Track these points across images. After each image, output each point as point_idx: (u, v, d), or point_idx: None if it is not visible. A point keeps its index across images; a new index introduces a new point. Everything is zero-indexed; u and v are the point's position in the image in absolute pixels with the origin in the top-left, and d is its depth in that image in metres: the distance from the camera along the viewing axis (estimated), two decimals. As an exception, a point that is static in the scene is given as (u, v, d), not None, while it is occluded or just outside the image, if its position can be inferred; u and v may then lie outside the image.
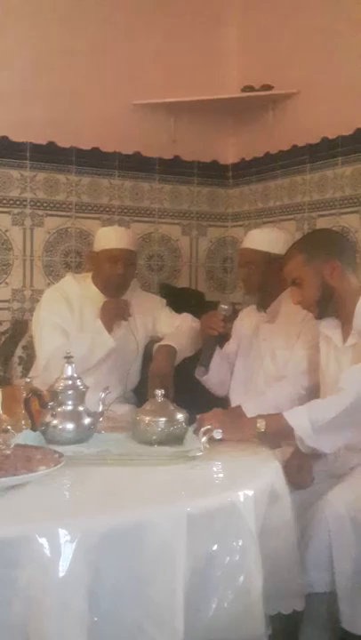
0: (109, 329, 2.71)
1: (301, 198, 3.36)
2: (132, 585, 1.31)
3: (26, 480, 1.43)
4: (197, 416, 1.98)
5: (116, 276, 2.79)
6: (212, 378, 2.74)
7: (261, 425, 1.93)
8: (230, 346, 2.84)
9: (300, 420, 1.89)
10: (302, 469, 2.06)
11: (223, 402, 2.79)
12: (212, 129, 3.76)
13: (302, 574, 1.74)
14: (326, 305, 2.21)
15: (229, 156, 3.85)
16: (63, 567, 1.23)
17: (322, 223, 3.24)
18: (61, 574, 1.23)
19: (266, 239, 2.69)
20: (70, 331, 2.77)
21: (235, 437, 1.89)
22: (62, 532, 1.24)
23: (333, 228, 3.17)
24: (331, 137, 3.16)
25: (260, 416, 2.01)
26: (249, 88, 3.51)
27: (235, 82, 3.65)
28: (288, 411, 1.97)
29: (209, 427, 1.78)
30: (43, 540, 1.23)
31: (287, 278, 2.29)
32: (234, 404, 2.70)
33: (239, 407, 2.57)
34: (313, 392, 2.49)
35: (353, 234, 3.09)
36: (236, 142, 3.84)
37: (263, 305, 2.74)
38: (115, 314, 2.75)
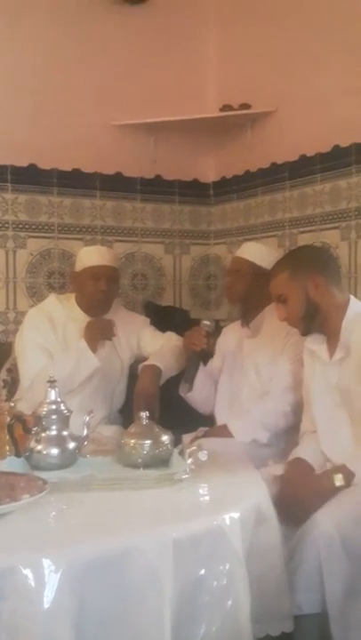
0: (93, 349, 2.71)
1: (282, 215, 3.39)
2: (118, 613, 1.30)
3: (9, 509, 1.42)
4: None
5: (98, 293, 2.79)
6: (197, 395, 2.75)
7: (340, 479, 1.97)
8: (214, 362, 2.85)
9: None
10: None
11: (208, 419, 2.79)
12: (192, 148, 3.79)
13: (291, 595, 1.73)
14: (312, 321, 2.22)
15: (210, 174, 3.88)
16: (48, 598, 1.22)
17: (303, 239, 3.26)
18: (46, 605, 1.22)
19: (258, 252, 2.73)
20: (54, 351, 2.76)
21: (312, 501, 1.91)
22: (46, 563, 1.23)
23: (315, 244, 3.19)
24: (309, 154, 3.19)
25: (334, 470, 2.02)
26: (227, 107, 3.54)
27: (213, 101, 3.68)
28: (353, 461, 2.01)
29: (194, 448, 1.78)
30: (27, 571, 1.21)
31: (272, 295, 2.30)
32: (219, 421, 2.71)
33: (225, 426, 2.58)
34: (298, 408, 2.50)
35: (334, 249, 3.11)
36: (216, 161, 3.87)
37: (246, 320, 2.75)
38: (99, 333, 2.74)
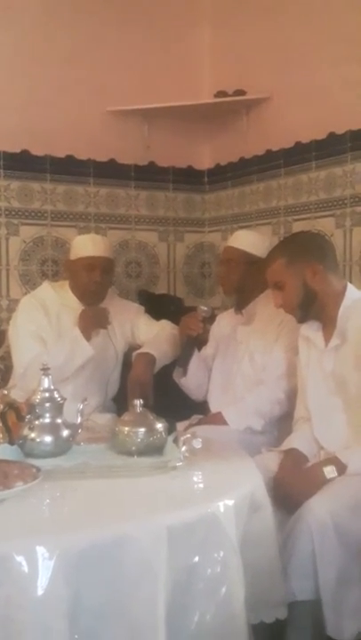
0: (88, 337, 2.70)
1: (277, 203, 3.37)
2: (112, 601, 1.29)
3: (3, 497, 1.41)
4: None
5: (93, 284, 2.78)
6: (190, 380, 2.75)
7: (331, 471, 1.97)
8: (208, 349, 2.85)
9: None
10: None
11: (202, 406, 2.79)
12: (186, 135, 3.76)
13: (285, 582, 1.73)
14: (308, 308, 2.21)
15: (204, 161, 3.85)
16: (42, 585, 1.21)
17: (298, 227, 3.25)
18: (40, 592, 1.21)
19: (250, 240, 2.71)
20: (48, 339, 2.75)
21: (304, 494, 1.91)
22: (40, 550, 1.22)
23: (312, 231, 3.18)
24: (304, 141, 3.17)
25: (325, 462, 2.03)
26: (222, 94, 3.52)
27: (208, 88, 3.65)
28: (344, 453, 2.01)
29: (189, 435, 1.77)
30: (20, 558, 1.21)
31: (269, 281, 2.29)
32: (213, 408, 2.71)
33: (219, 413, 2.58)
34: (292, 396, 2.50)
35: (329, 237, 3.10)
36: (210, 148, 3.84)
37: (240, 307, 2.74)
38: (93, 322, 2.73)
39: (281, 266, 2.22)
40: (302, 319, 2.26)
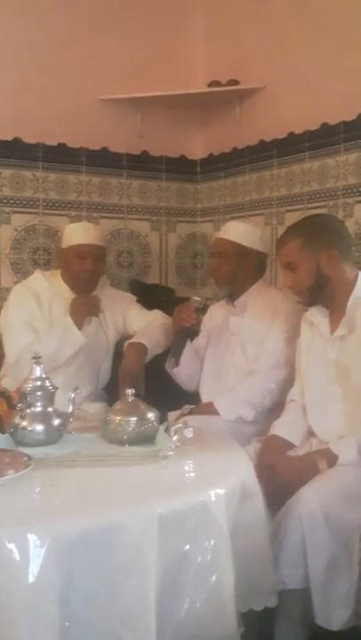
0: (79, 325, 2.69)
1: (270, 193, 3.37)
2: (103, 588, 1.30)
3: (-6, 484, 1.41)
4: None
5: (84, 272, 2.77)
6: (182, 371, 2.75)
7: (323, 466, 1.99)
8: (200, 340, 2.85)
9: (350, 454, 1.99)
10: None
11: (194, 397, 2.80)
12: (179, 124, 3.75)
13: (275, 571, 1.74)
14: (318, 293, 2.19)
15: (197, 151, 3.85)
16: (33, 572, 1.22)
17: (290, 218, 3.25)
18: (31, 580, 1.22)
19: (241, 232, 2.70)
20: (39, 328, 2.74)
21: (294, 484, 1.92)
22: (32, 537, 1.23)
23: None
24: (297, 132, 3.17)
25: (316, 454, 2.04)
26: (215, 83, 3.51)
27: (201, 77, 3.64)
28: (337, 444, 2.03)
29: (180, 425, 1.78)
30: (12, 546, 1.21)
31: (281, 261, 2.25)
32: (204, 398, 2.71)
33: (210, 403, 2.58)
34: (284, 386, 2.51)
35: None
36: (203, 137, 3.83)
37: (233, 298, 2.74)
38: (85, 310, 2.73)
39: (295, 247, 2.18)
40: (310, 303, 2.24)
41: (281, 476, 2.00)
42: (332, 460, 2.00)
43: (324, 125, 3.02)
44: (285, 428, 2.24)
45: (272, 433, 2.24)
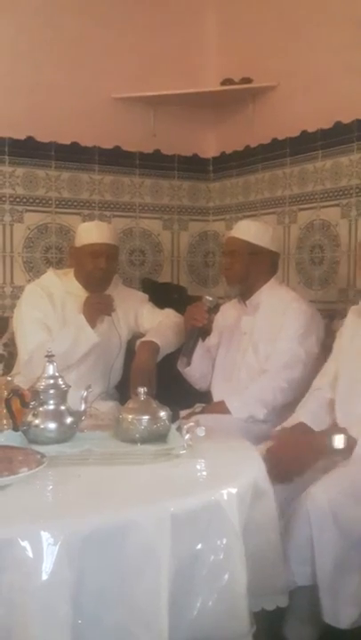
0: (92, 324, 2.70)
1: (282, 192, 3.36)
2: (116, 586, 1.30)
3: (8, 482, 1.41)
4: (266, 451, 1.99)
5: (98, 271, 2.78)
6: (194, 370, 2.75)
7: (340, 441, 1.98)
8: (211, 339, 2.84)
9: None
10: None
11: (205, 396, 2.80)
12: (192, 122, 3.75)
13: (286, 570, 1.74)
14: None
15: (210, 149, 3.84)
16: (46, 570, 1.22)
17: (303, 217, 3.24)
18: (44, 577, 1.22)
19: (253, 231, 2.70)
20: (52, 326, 2.75)
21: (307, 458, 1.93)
22: (45, 535, 1.23)
23: (314, 222, 3.18)
24: (311, 130, 3.16)
25: (335, 430, 2.02)
26: (228, 81, 3.50)
27: (214, 75, 3.63)
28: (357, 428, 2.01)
29: (192, 424, 1.78)
30: (25, 544, 1.22)
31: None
32: (216, 397, 2.71)
33: (222, 402, 2.58)
34: (295, 385, 2.50)
35: (333, 227, 3.10)
36: (216, 136, 3.83)
37: (244, 297, 2.74)
38: (98, 309, 2.73)
39: None
40: None
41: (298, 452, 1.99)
42: (350, 441, 1.99)
43: (338, 124, 3.01)
44: (310, 416, 2.23)
45: (300, 420, 2.22)
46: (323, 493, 1.85)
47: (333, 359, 2.33)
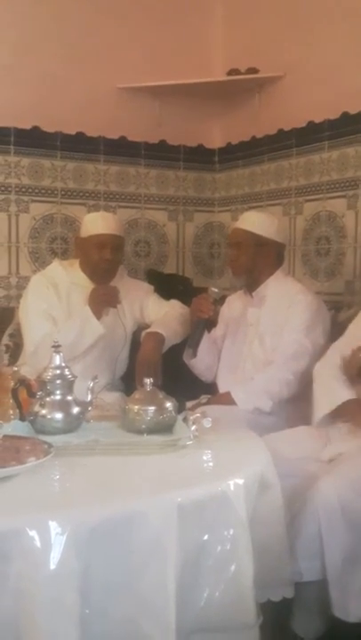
0: (98, 315, 2.70)
1: (288, 183, 3.35)
2: (123, 576, 1.30)
3: (15, 472, 1.42)
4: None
5: (103, 262, 2.78)
6: (200, 362, 2.75)
7: None
8: (217, 331, 2.84)
9: None
10: None
11: (211, 387, 2.80)
12: (197, 113, 3.73)
13: (292, 562, 1.74)
14: None
15: (216, 140, 3.83)
16: (54, 560, 1.22)
17: (309, 208, 3.23)
18: (52, 567, 1.22)
19: (259, 222, 2.69)
20: (58, 317, 2.75)
21: None
22: (53, 525, 1.23)
23: (320, 213, 3.17)
24: (317, 121, 3.14)
25: None
26: (235, 71, 3.48)
27: (220, 65, 3.61)
28: None
29: (198, 415, 1.78)
30: (33, 533, 1.22)
31: None
32: (221, 389, 2.71)
33: (228, 393, 2.58)
34: (301, 377, 2.50)
35: (340, 218, 3.08)
36: (222, 126, 3.81)
37: (250, 289, 2.73)
38: (103, 300, 2.73)
39: None
40: None
41: None
42: None
43: (345, 114, 3.00)
44: None
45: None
46: (331, 488, 1.85)
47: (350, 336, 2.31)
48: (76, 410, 1.81)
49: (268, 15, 3.40)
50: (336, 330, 2.63)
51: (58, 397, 1.80)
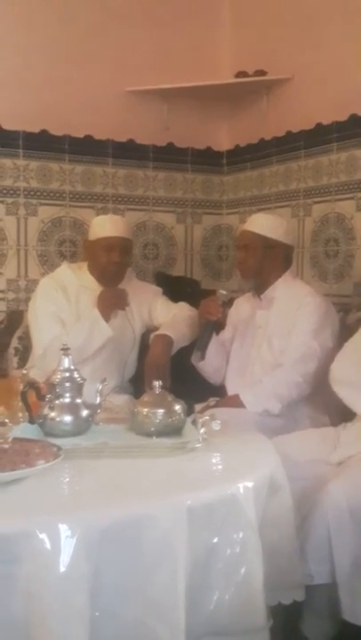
0: (107, 318, 2.70)
1: (296, 185, 3.34)
2: (133, 579, 1.30)
3: (25, 475, 1.42)
4: None
5: (112, 265, 2.78)
6: (208, 364, 2.74)
7: None
8: (225, 333, 2.84)
9: None
10: None
11: (220, 389, 2.79)
12: (205, 115, 3.73)
13: (302, 564, 1.74)
14: None
15: (224, 142, 3.83)
16: (64, 562, 1.22)
17: (317, 210, 3.23)
18: (62, 569, 1.22)
19: (267, 224, 2.68)
20: (67, 320, 2.76)
21: None
22: (63, 528, 1.23)
23: (329, 215, 3.16)
24: (325, 123, 3.14)
25: None
26: (243, 74, 3.48)
27: (228, 68, 3.61)
28: None
29: (207, 417, 1.77)
30: (43, 536, 1.22)
31: None
32: (230, 391, 2.70)
33: (237, 396, 2.57)
34: (310, 380, 2.49)
35: (348, 220, 3.08)
36: (230, 129, 3.81)
37: (259, 291, 2.73)
38: (112, 303, 2.74)
39: None
40: None
41: None
42: None
43: (353, 116, 2.99)
44: None
45: None
46: (341, 491, 1.84)
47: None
48: (85, 412, 1.81)
49: (275, 18, 3.40)
50: (345, 332, 2.63)
51: (67, 400, 1.80)
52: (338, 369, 2.31)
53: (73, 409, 1.80)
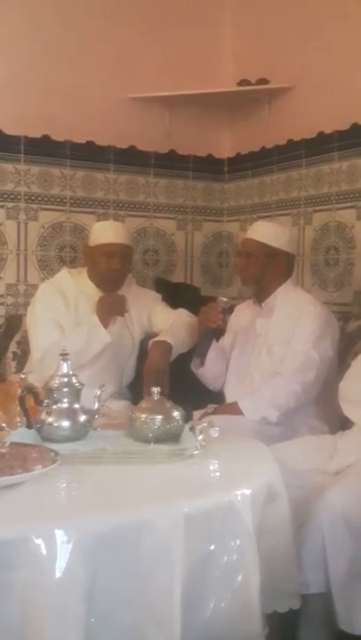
0: (105, 324, 2.70)
1: (297, 193, 3.35)
2: (129, 585, 1.30)
3: (22, 480, 1.41)
4: None
5: (112, 271, 2.78)
6: (208, 371, 2.74)
7: None
8: (225, 340, 2.84)
9: None
10: None
11: (218, 396, 2.79)
12: (207, 123, 3.74)
13: (298, 573, 1.73)
14: None
15: (225, 150, 3.83)
16: (60, 568, 1.22)
17: (318, 218, 3.23)
18: (58, 575, 1.22)
19: (270, 232, 2.69)
20: (66, 325, 2.75)
21: None
22: (59, 533, 1.23)
23: (329, 224, 3.17)
24: (327, 131, 3.14)
25: None
26: (245, 82, 3.49)
27: (230, 76, 3.62)
28: None
29: (205, 424, 1.77)
30: (39, 541, 1.21)
31: None
32: (229, 398, 2.70)
33: (235, 403, 2.57)
34: (307, 389, 2.49)
35: (349, 229, 3.08)
36: (231, 136, 3.82)
37: (259, 299, 2.73)
38: (111, 309, 2.74)
39: None
40: None
41: None
42: None
43: (355, 125, 3.00)
44: None
45: None
46: (337, 500, 1.84)
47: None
48: (82, 418, 1.81)
49: (278, 26, 3.42)
50: (344, 340, 2.63)
51: (65, 405, 1.80)
52: (347, 388, 2.28)
53: (71, 414, 1.80)
